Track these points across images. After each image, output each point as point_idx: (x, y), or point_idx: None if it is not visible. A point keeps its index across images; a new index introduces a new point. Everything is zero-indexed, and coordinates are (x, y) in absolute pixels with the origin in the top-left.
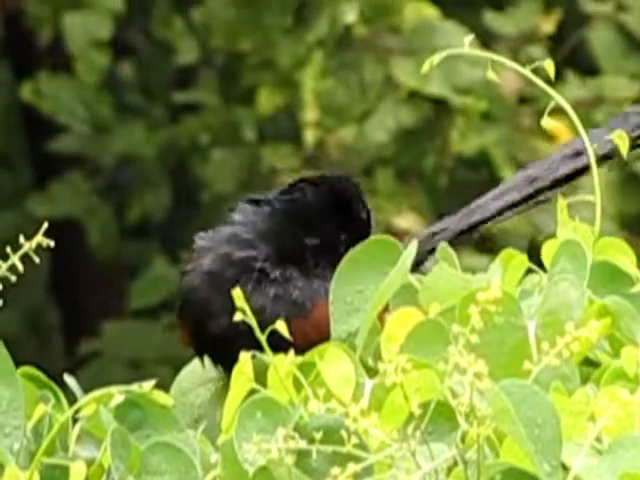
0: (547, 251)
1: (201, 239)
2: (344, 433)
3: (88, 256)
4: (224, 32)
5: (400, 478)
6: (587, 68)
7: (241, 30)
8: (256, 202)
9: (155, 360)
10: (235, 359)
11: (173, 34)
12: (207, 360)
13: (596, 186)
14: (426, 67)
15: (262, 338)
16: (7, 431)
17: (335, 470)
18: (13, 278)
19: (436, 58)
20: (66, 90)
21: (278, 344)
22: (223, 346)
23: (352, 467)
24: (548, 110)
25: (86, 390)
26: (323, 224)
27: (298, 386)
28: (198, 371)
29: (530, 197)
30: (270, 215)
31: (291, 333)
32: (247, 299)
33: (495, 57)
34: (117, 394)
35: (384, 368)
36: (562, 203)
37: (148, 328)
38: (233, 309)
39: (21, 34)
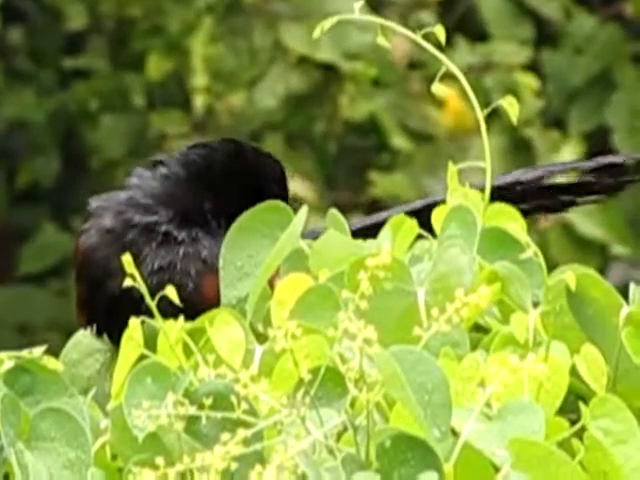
0: (437, 217)
1: (97, 201)
2: (234, 399)
3: None
4: None
5: (290, 444)
6: (477, 34)
7: None
8: (153, 165)
9: (45, 326)
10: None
11: (62, 0)
12: (91, 331)
13: (486, 152)
14: (317, 33)
15: (152, 304)
16: None
17: (225, 436)
18: None
19: (326, 24)
20: None
21: (188, 300)
22: (120, 307)
23: (242, 433)
24: (439, 76)
25: None
26: (222, 187)
27: (188, 352)
28: (85, 342)
29: None
30: (168, 179)
31: (203, 288)
32: (152, 257)
33: (385, 22)
34: (7, 360)
35: (274, 334)
36: (452, 169)
37: (38, 294)
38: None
39: None
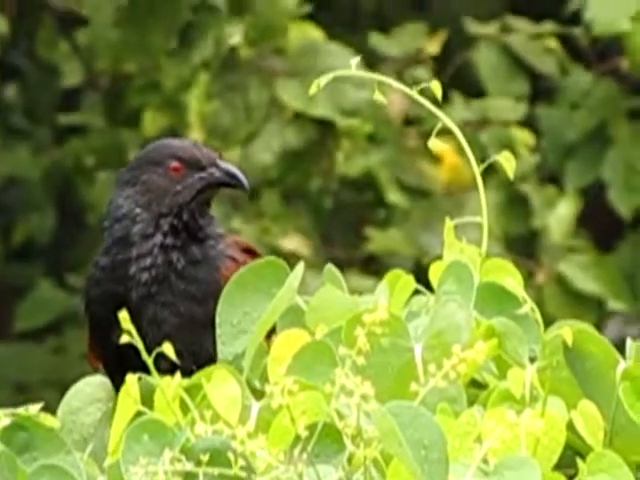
0: (434, 272)
1: None
2: (231, 455)
3: None
4: (109, 54)
5: None
6: (473, 90)
7: (126, 52)
8: None
9: (41, 383)
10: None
11: (58, 56)
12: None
13: (483, 207)
14: (313, 89)
15: (149, 361)
16: None
17: None
18: None
19: (323, 80)
20: None
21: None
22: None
23: None
24: (435, 131)
25: None
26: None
27: (185, 408)
28: (87, 390)
29: None
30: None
31: None
32: None
33: (382, 78)
34: (3, 417)
35: (271, 390)
36: (448, 224)
37: (34, 350)
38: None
39: None
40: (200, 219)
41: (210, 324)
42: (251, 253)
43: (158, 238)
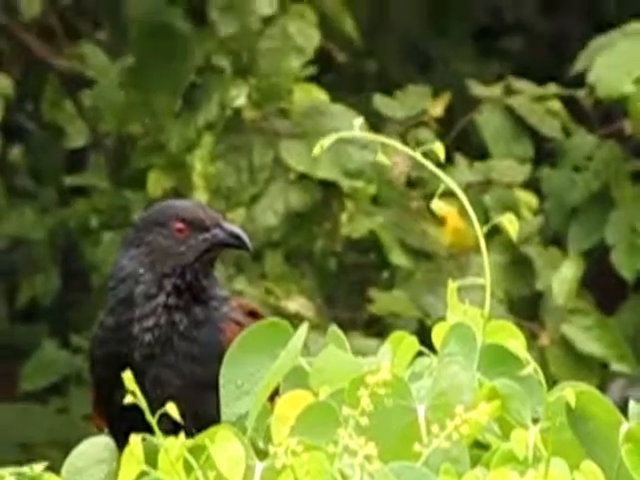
0: (437, 333)
1: None
2: None
3: None
4: (114, 115)
5: None
6: (476, 152)
7: (131, 113)
8: None
9: (45, 443)
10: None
11: (63, 118)
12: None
13: (486, 269)
14: (317, 150)
15: (153, 421)
16: None
17: None
18: None
19: (326, 141)
20: None
21: None
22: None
23: None
24: (438, 193)
25: None
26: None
27: (189, 469)
28: (91, 450)
29: None
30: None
31: None
32: None
33: (385, 140)
34: (8, 476)
35: (274, 450)
36: (452, 286)
37: (38, 411)
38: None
39: None
40: (204, 280)
41: (213, 386)
42: (255, 316)
43: (161, 298)
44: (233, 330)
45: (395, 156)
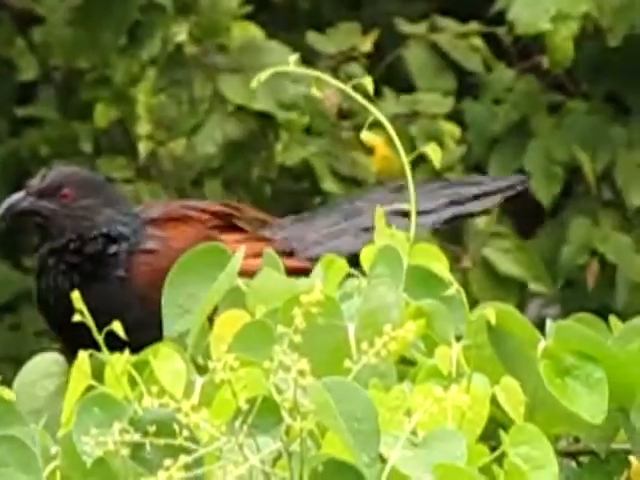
0: (366, 257)
1: None
2: (176, 427)
3: None
4: (63, 51)
5: (228, 469)
6: (403, 85)
7: (79, 49)
8: None
9: None
10: None
11: (15, 53)
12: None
13: (412, 195)
14: (254, 84)
15: (99, 339)
16: None
17: (167, 461)
18: None
19: (263, 75)
20: None
21: None
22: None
23: (183, 459)
24: (367, 124)
25: None
26: None
27: (133, 383)
28: (42, 365)
29: None
30: None
31: None
32: None
33: (318, 74)
34: None
35: (213, 366)
36: (379, 211)
37: None
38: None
39: None
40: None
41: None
42: (184, 220)
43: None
44: (144, 261)
45: (327, 89)
